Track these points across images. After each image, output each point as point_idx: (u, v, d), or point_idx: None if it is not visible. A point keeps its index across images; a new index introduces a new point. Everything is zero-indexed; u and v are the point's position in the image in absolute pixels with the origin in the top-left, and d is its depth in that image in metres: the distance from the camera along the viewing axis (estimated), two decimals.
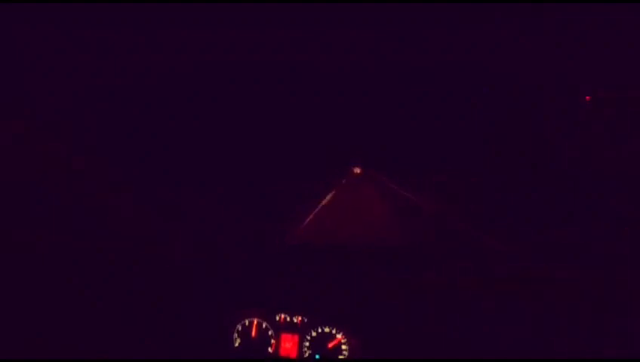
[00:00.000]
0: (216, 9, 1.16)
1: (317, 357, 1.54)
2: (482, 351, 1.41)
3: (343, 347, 1.53)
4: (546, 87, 1.48)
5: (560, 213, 1.28)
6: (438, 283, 1.61)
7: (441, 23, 1.16)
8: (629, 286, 1.47)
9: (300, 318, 1.57)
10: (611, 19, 1.06)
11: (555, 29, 1.12)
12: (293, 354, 1.55)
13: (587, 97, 1.42)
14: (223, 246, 1.86)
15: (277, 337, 1.57)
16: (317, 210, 8.70)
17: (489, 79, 1.52)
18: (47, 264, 1.59)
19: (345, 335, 1.53)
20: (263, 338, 1.58)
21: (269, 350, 1.57)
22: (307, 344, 1.55)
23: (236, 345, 1.59)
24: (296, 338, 1.56)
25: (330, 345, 1.53)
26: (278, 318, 1.59)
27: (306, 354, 1.54)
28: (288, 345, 1.56)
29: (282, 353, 1.56)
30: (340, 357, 1.52)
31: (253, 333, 1.59)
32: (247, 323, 1.60)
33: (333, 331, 1.54)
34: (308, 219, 7.01)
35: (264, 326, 1.59)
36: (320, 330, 1.55)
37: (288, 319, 1.58)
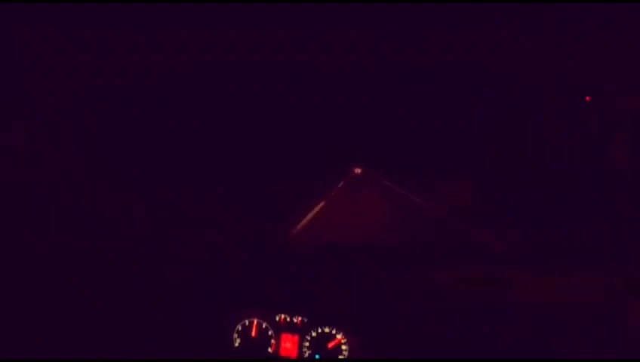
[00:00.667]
0: (216, 9, 1.16)
1: (317, 357, 1.54)
2: (482, 351, 1.41)
3: (343, 347, 1.53)
4: (546, 87, 1.48)
5: (560, 213, 1.28)
6: (438, 283, 1.61)
7: (441, 23, 1.16)
8: (630, 286, 1.47)
9: (300, 318, 1.57)
10: (611, 19, 1.06)
11: (555, 29, 1.12)
12: (294, 354, 1.55)
13: (587, 97, 1.43)
14: (223, 246, 1.86)
15: (277, 337, 1.57)
16: (317, 210, 8.69)
17: (489, 79, 1.52)
18: (47, 264, 1.59)
19: (345, 335, 1.53)
20: (263, 338, 1.58)
21: (269, 350, 1.57)
22: (307, 344, 1.55)
23: (236, 345, 1.59)
24: (296, 338, 1.56)
25: (330, 345, 1.53)
26: (278, 318, 1.59)
27: (306, 354, 1.54)
28: (288, 345, 1.56)
29: (282, 353, 1.56)
30: (340, 357, 1.52)
31: (253, 333, 1.59)
32: (247, 323, 1.60)
33: (333, 331, 1.54)
34: (308, 219, 7.00)
35: (264, 326, 1.59)
36: (320, 330, 1.55)
37: (288, 319, 1.58)
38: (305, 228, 6.10)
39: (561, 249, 1.58)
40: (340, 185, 18.34)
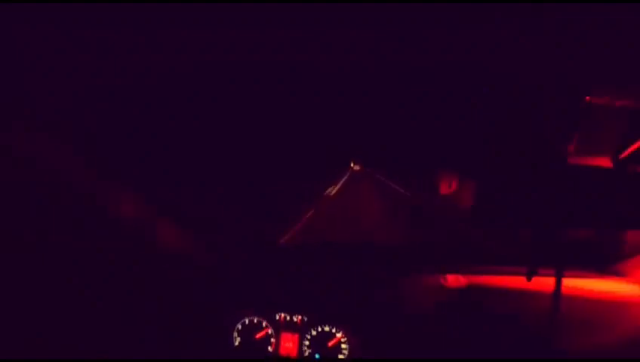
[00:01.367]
0: (216, 9, 1.16)
1: (317, 356, 1.54)
2: (482, 351, 1.41)
3: (343, 346, 1.53)
4: (546, 87, 1.48)
5: (560, 213, 1.28)
6: (438, 283, 1.61)
7: (441, 23, 1.16)
8: (630, 286, 1.47)
9: (299, 317, 1.58)
10: (611, 19, 1.06)
11: (555, 29, 1.12)
12: (294, 354, 1.55)
13: (587, 97, 1.42)
14: (223, 246, 1.86)
15: (277, 336, 1.57)
16: (317, 210, 8.69)
17: (489, 79, 1.52)
18: (47, 264, 1.59)
19: (345, 334, 1.53)
20: (263, 337, 1.58)
21: (269, 349, 1.57)
22: (307, 343, 1.55)
23: (236, 344, 1.59)
24: (296, 337, 1.56)
25: (330, 344, 1.54)
26: (278, 317, 1.59)
27: (306, 354, 1.54)
28: (288, 344, 1.56)
29: (282, 352, 1.56)
30: (340, 356, 1.52)
31: (254, 333, 1.59)
32: (247, 323, 1.60)
33: (333, 330, 1.54)
34: (308, 219, 7.00)
35: (264, 325, 1.59)
36: (320, 329, 1.55)
37: (288, 318, 1.58)
38: (305, 228, 6.11)
39: (561, 249, 1.58)
40: (339, 186, 18.35)
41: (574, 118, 1.54)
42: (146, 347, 1.55)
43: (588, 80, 1.37)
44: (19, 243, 1.50)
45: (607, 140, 1.56)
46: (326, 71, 1.54)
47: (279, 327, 1.58)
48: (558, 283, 1.55)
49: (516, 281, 1.60)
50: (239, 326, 1.60)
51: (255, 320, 1.60)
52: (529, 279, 1.57)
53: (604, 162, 1.56)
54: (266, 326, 1.59)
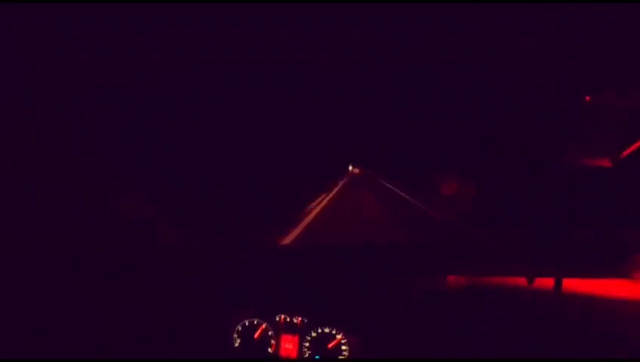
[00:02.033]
0: (216, 9, 1.16)
1: (317, 357, 1.54)
2: (482, 351, 1.41)
3: (343, 347, 1.52)
4: (546, 87, 1.48)
5: (560, 213, 1.28)
6: (438, 284, 1.61)
7: (441, 23, 1.16)
8: (630, 285, 1.47)
9: (300, 319, 1.57)
10: (611, 19, 1.06)
11: (555, 29, 1.12)
12: (294, 355, 1.55)
13: (587, 97, 1.42)
14: (223, 246, 1.86)
15: (277, 337, 1.57)
16: (317, 210, 8.70)
17: (489, 79, 1.52)
18: (47, 264, 1.59)
19: (345, 335, 1.53)
20: (263, 338, 1.58)
21: (269, 350, 1.57)
22: (307, 344, 1.55)
23: (236, 345, 1.59)
24: (296, 338, 1.56)
25: (330, 346, 1.53)
26: (278, 319, 1.59)
27: (306, 355, 1.54)
28: (288, 345, 1.56)
29: (282, 353, 1.56)
30: (340, 357, 1.52)
31: (253, 334, 1.59)
32: (247, 324, 1.60)
33: (333, 331, 1.54)
34: (308, 219, 7.01)
35: (264, 326, 1.59)
36: (320, 331, 1.55)
37: (288, 319, 1.58)
38: (305, 229, 6.11)
39: (561, 249, 1.58)
40: (339, 186, 18.35)
41: (574, 118, 1.54)
42: (146, 347, 1.55)
43: (588, 80, 1.37)
44: (19, 243, 1.50)
45: (607, 140, 1.56)
46: (326, 71, 1.54)
47: (279, 328, 1.58)
48: (558, 283, 1.55)
49: (516, 281, 1.60)
50: (239, 328, 1.60)
51: (255, 322, 1.60)
52: (529, 280, 1.57)
53: (604, 162, 1.56)
54: (266, 328, 1.58)
